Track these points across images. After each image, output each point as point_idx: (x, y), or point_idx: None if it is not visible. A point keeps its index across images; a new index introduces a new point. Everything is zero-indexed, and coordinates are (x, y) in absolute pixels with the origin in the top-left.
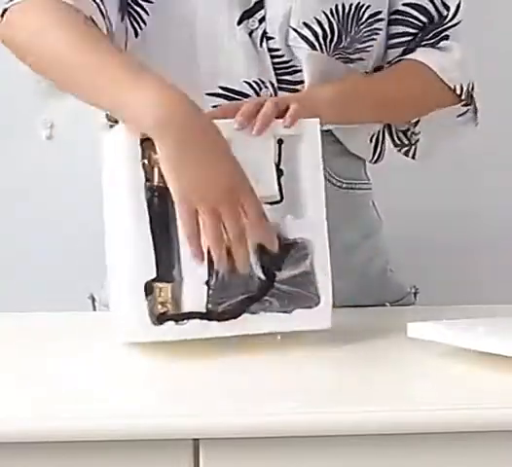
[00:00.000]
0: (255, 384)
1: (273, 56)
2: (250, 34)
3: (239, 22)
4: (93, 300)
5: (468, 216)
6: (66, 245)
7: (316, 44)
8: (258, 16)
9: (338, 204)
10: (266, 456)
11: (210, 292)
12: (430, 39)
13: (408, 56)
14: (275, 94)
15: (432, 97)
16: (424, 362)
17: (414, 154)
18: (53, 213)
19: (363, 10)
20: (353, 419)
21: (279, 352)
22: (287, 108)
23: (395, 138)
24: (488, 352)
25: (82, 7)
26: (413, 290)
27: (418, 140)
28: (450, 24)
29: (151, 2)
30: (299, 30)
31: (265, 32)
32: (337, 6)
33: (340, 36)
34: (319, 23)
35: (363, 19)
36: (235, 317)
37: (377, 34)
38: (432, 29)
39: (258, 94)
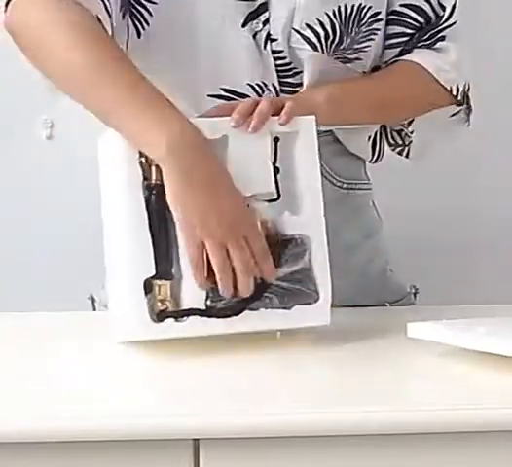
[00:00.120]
0: (255, 384)
1: (275, 58)
2: (254, 36)
3: (244, 25)
4: (93, 300)
5: (468, 216)
6: (66, 245)
7: (318, 45)
8: (262, 17)
9: (338, 205)
10: (266, 456)
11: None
12: (427, 40)
13: (404, 58)
14: (277, 97)
15: (428, 98)
16: (424, 362)
17: (407, 153)
18: (53, 213)
19: (365, 11)
20: (353, 419)
21: (279, 352)
22: (283, 106)
23: (390, 138)
24: (488, 352)
25: (89, 6)
26: (413, 290)
27: (411, 141)
28: (446, 25)
29: (155, 3)
30: (301, 32)
31: (269, 34)
32: (339, 7)
33: (341, 37)
34: (321, 25)
35: (364, 20)
36: (235, 314)
37: (375, 34)
38: (429, 30)
39: (260, 97)
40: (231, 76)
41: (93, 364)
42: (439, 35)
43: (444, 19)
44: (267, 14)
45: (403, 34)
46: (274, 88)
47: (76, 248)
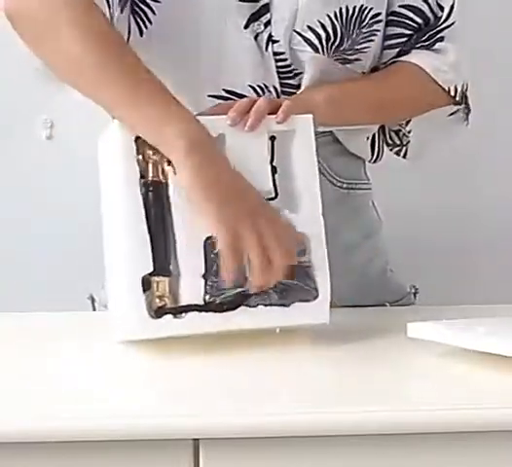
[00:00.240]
0: (255, 384)
1: (277, 60)
2: (256, 37)
3: (246, 26)
4: (93, 300)
5: (468, 216)
6: (66, 245)
7: (319, 47)
8: (264, 19)
9: (338, 205)
10: (266, 456)
11: (207, 284)
12: (425, 41)
13: (402, 58)
14: (278, 98)
15: (427, 99)
16: (424, 362)
17: (405, 153)
18: (53, 213)
19: (366, 12)
20: (353, 419)
21: (279, 352)
22: (281, 105)
23: (388, 138)
24: (488, 352)
25: None
26: (412, 290)
27: (409, 141)
28: (444, 26)
29: (159, 2)
30: (303, 33)
31: (270, 35)
32: (341, 9)
33: (342, 38)
34: (323, 26)
35: (365, 22)
36: (233, 308)
37: (375, 35)
38: (427, 31)
39: None
40: (232, 77)
41: (93, 364)
42: (437, 36)
43: (442, 20)
44: (268, 15)
45: (402, 35)
46: (275, 89)
47: (76, 248)
